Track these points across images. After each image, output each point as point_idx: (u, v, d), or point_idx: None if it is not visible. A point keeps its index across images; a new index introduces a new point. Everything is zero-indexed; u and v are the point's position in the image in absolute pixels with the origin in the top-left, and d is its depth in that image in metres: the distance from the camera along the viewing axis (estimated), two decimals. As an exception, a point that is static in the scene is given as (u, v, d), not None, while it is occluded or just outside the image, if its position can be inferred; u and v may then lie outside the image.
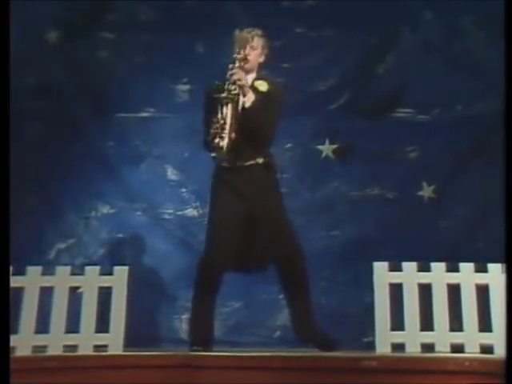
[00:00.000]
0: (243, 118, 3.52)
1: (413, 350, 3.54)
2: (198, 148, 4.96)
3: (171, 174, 5.12)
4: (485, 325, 3.59)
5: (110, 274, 3.73)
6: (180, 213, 5.06)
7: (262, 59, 3.73)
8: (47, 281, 3.71)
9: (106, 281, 3.72)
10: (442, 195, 4.96)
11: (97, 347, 3.59)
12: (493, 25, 4.73)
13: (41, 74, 5.14)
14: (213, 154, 3.51)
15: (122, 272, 3.72)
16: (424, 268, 3.71)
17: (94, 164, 5.02)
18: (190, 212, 5.06)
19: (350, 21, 5.14)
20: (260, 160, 3.61)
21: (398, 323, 3.61)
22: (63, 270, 3.78)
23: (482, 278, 3.66)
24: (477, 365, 2.81)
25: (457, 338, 3.58)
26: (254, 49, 3.66)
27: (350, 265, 4.63)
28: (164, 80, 5.18)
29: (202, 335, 3.46)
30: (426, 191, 4.99)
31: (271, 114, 3.58)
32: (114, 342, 3.57)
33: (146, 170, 5.12)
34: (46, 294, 3.68)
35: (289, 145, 5.02)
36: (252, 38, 3.66)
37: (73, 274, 3.78)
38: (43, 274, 3.74)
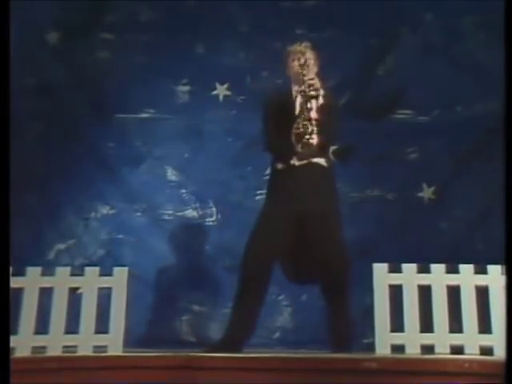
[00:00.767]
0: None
1: (412, 351, 3.53)
2: (199, 149, 5.01)
3: (171, 174, 5.12)
4: (484, 326, 3.59)
5: (110, 274, 3.72)
6: (180, 214, 5.06)
7: (316, 69, 3.80)
8: (47, 281, 3.70)
9: (105, 281, 3.70)
10: (441, 196, 4.97)
11: (96, 348, 3.58)
12: (493, 26, 4.73)
13: (41, 74, 5.14)
14: (301, 150, 3.49)
15: (121, 273, 3.71)
16: (424, 269, 3.71)
17: (94, 165, 5.02)
18: (190, 213, 5.07)
19: (350, 22, 5.15)
20: (322, 161, 3.65)
21: (397, 324, 3.60)
22: (63, 271, 3.77)
23: (481, 280, 3.65)
24: (476, 366, 2.81)
25: (456, 339, 3.57)
26: (309, 59, 3.75)
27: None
28: (164, 81, 5.18)
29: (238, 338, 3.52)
30: (426, 192, 4.99)
31: (334, 117, 3.65)
32: (114, 342, 3.56)
33: (146, 170, 5.12)
34: (46, 294, 3.67)
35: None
36: (305, 52, 3.78)
37: (72, 274, 3.77)
38: (43, 274, 3.72)
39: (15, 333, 3.49)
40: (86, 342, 3.58)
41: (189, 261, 4.96)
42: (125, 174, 5.06)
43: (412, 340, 3.56)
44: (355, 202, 5.01)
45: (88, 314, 3.62)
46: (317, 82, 3.57)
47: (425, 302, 3.63)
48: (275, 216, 3.60)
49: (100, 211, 5.06)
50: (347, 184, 5.03)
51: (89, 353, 3.51)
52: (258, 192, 4.59)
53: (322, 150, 3.67)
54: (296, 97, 3.66)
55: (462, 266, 3.69)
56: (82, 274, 3.77)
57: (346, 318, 3.70)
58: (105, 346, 3.57)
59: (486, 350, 3.52)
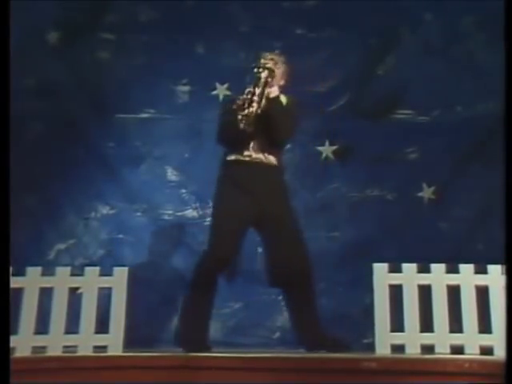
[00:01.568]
0: (266, 108, 3.57)
1: (412, 351, 3.53)
2: (199, 148, 5.01)
3: (171, 174, 5.12)
4: (484, 326, 3.59)
5: (110, 274, 3.73)
6: (180, 214, 5.06)
7: (282, 82, 3.82)
8: (47, 281, 3.71)
9: (105, 281, 3.71)
10: (441, 196, 4.96)
11: (96, 348, 3.58)
12: (493, 26, 4.72)
13: (41, 75, 5.13)
14: (239, 117, 3.52)
15: (121, 273, 3.72)
16: (424, 269, 3.71)
17: (94, 165, 5.02)
18: (190, 213, 5.06)
19: (350, 22, 5.14)
20: (271, 158, 3.66)
21: (397, 324, 3.61)
22: (63, 271, 3.77)
23: (481, 280, 3.66)
24: (476, 366, 2.81)
25: (456, 339, 3.58)
26: (278, 68, 3.73)
27: (350, 266, 4.63)
28: (164, 81, 5.18)
29: (195, 339, 3.48)
30: (426, 192, 4.99)
31: (290, 118, 3.67)
32: (114, 342, 3.57)
33: (146, 170, 5.11)
34: (46, 294, 3.68)
35: (289, 146, 5.00)
36: (277, 61, 3.75)
37: (72, 274, 3.77)
38: (43, 274, 3.73)
39: (15, 333, 3.49)
40: (86, 342, 3.58)
41: (188, 261, 4.95)
42: (125, 173, 5.06)
43: (412, 340, 3.56)
44: (355, 201, 5.02)
45: (88, 314, 3.63)
46: (273, 67, 3.61)
47: (425, 302, 3.63)
48: (232, 216, 3.59)
49: (100, 211, 5.05)
50: (347, 184, 5.04)
51: (89, 353, 3.51)
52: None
53: (272, 148, 3.67)
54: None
55: (461, 266, 3.70)
56: (82, 274, 3.78)
57: (314, 318, 3.67)
58: (105, 346, 3.57)
59: (486, 350, 3.52)
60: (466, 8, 5.09)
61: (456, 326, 3.62)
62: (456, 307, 3.63)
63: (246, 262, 4.14)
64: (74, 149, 5.00)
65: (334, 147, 5.11)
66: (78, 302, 3.67)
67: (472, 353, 3.49)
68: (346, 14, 5.13)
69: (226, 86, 5.12)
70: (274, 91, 3.68)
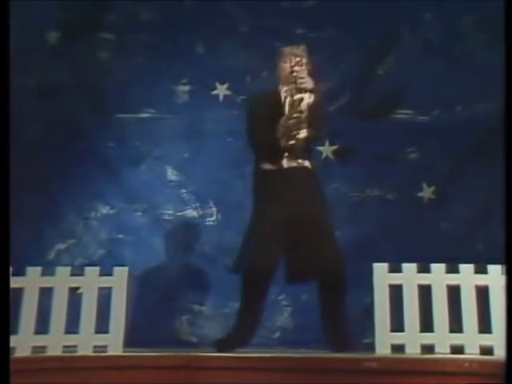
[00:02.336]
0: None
1: (412, 351, 3.53)
2: (199, 148, 5.01)
3: (171, 174, 5.11)
4: (484, 326, 3.59)
5: (110, 274, 3.73)
6: (180, 213, 5.06)
7: (307, 72, 3.76)
8: (47, 281, 3.70)
9: (105, 281, 3.71)
10: (441, 196, 4.97)
11: (96, 348, 3.58)
12: (493, 26, 4.72)
13: (41, 74, 5.13)
14: (291, 142, 3.52)
15: (121, 273, 3.71)
16: (424, 269, 3.71)
17: (94, 164, 5.02)
18: (190, 213, 5.06)
19: (350, 22, 5.14)
20: (306, 163, 3.66)
21: (397, 324, 3.61)
22: (63, 271, 3.77)
23: (481, 280, 3.66)
24: (476, 366, 2.81)
25: (456, 339, 3.58)
26: (302, 60, 3.72)
27: (350, 266, 4.61)
28: (164, 81, 5.18)
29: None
30: (426, 192, 4.99)
31: (322, 117, 3.66)
32: (114, 342, 3.56)
33: (146, 170, 5.11)
34: (46, 294, 3.68)
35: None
36: (302, 56, 3.74)
37: (72, 274, 3.77)
38: (43, 274, 3.72)
39: (15, 333, 3.49)
40: (86, 342, 3.58)
41: (189, 261, 4.96)
42: (125, 173, 5.06)
43: (412, 340, 3.56)
44: (355, 201, 5.02)
45: (88, 314, 3.63)
46: (308, 79, 3.57)
47: (425, 302, 3.63)
48: (270, 219, 3.59)
49: (100, 211, 5.05)
50: (347, 184, 5.04)
51: (89, 353, 3.51)
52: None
53: (308, 151, 3.67)
54: (285, 97, 3.67)
55: (462, 266, 3.70)
56: (82, 274, 3.77)
57: (344, 317, 3.69)
58: (105, 346, 3.57)
59: (486, 350, 3.52)
60: (466, 8, 5.09)
61: (456, 325, 3.62)
62: (456, 307, 3.63)
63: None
64: (74, 149, 5.00)
65: (334, 147, 5.11)
66: (78, 302, 3.67)
67: (472, 353, 3.49)
68: (346, 13, 5.13)
69: (225, 85, 5.12)
70: (308, 82, 3.60)
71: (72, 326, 3.63)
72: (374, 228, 4.87)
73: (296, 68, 3.63)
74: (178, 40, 5.17)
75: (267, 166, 3.69)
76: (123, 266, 3.88)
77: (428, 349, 3.57)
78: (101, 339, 3.60)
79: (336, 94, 5.16)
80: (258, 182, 3.77)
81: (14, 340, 3.29)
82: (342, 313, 3.72)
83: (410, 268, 3.69)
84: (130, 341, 3.65)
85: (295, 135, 3.51)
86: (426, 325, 3.61)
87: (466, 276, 3.67)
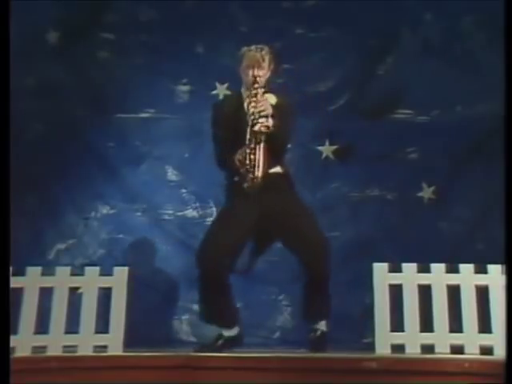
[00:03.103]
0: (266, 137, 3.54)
1: (412, 351, 3.53)
2: (199, 148, 5.00)
3: (171, 174, 5.11)
4: (484, 326, 3.59)
5: (110, 274, 3.73)
6: (180, 213, 5.06)
7: (268, 74, 3.75)
8: (47, 281, 3.71)
9: (105, 281, 3.71)
10: (441, 196, 4.97)
11: (96, 348, 3.58)
12: (493, 26, 4.73)
13: (41, 74, 5.13)
14: (246, 185, 3.51)
15: (121, 272, 3.72)
16: (424, 269, 3.71)
17: (94, 164, 5.02)
18: (190, 213, 5.06)
19: (350, 22, 5.14)
20: (278, 169, 3.65)
21: (397, 324, 3.61)
22: (63, 271, 3.77)
23: (481, 279, 3.66)
24: (476, 366, 2.82)
25: (456, 339, 3.58)
26: (263, 68, 3.68)
27: (350, 266, 4.63)
28: (164, 80, 5.17)
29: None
30: (426, 192, 4.99)
31: (285, 124, 3.61)
32: (114, 342, 3.57)
33: (146, 170, 5.11)
34: (46, 294, 3.68)
35: (289, 146, 5.01)
36: (262, 59, 3.69)
37: (72, 274, 3.77)
38: (43, 274, 3.73)
39: (15, 333, 3.49)
40: (86, 342, 3.58)
41: (189, 261, 4.95)
42: (125, 173, 5.06)
43: (412, 339, 3.56)
44: (355, 201, 5.02)
45: (88, 314, 3.63)
46: (266, 103, 3.54)
47: (425, 302, 3.63)
48: (237, 213, 3.58)
49: (100, 211, 5.05)
50: (347, 184, 5.04)
51: (89, 353, 3.51)
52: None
53: (276, 159, 3.64)
54: (248, 101, 3.62)
55: (461, 266, 3.70)
56: (82, 274, 3.78)
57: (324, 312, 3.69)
58: (105, 346, 3.57)
59: (486, 350, 3.52)
60: (466, 8, 5.09)
61: (456, 325, 3.62)
62: (456, 307, 3.63)
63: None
64: (74, 149, 5.00)
65: (334, 147, 5.11)
66: (78, 301, 3.67)
67: (472, 352, 3.49)
68: (346, 14, 5.13)
69: (225, 85, 5.11)
70: (270, 97, 3.61)
71: (72, 326, 3.64)
72: (374, 228, 4.87)
73: (259, 76, 3.61)
74: (178, 40, 5.17)
75: (237, 178, 3.63)
76: (123, 266, 3.88)
77: (428, 349, 3.57)
78: (101, 339, 3.60)
79: (336, 94, 5.16)
80: (229, 193, 3.74)
81: (14, 340, 3.29)
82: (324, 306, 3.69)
83: (409, 268, 3.70)
84: (130, 341, 3.65)
85: (249, 174, 3.49)
86: (426, 325, 3.61)
87: (466, 276, 3.67)
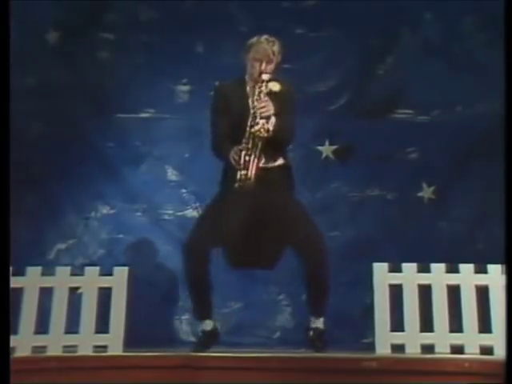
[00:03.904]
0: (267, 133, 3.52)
1: (412, 350, 3.54)
2: (199, 148, 5.00)
3: (171, 174, 5.11)
4: (484, 326, 3.59)
5: (110, 274, 3.73)
6: (180, 213, 5.06)
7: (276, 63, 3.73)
8: (47, 281, 3.71)
9: (105, 281, 3.71)
10: (441, 196, 4.97)
11: (96, 348, 3.58)
12: (493, 26, 4.73)
13: (41, 74, 5.13)
14: (237, 185, 3.48)
15: (121, 272, 3.72)
16: (424, 269, 3.71)
17: (94, 164, 5.01)
18: (190, 213, 5.06)
19: (350, 22, 5.14)
20: (279, 162, 3.64)
21: (397, 324, 3.61)
22: (63, 271, 3.78)
23: (481, 279, 3.66)
24: (477, 366, 2.82)
25: (457, 339, 3.58)
26: (271, 63, 3.67)
27: (350, 266, 4.63)
28: (164, 80, 5.17)
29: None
30: (426, 192, 4.99)
31: (287, 114, 3.60)
32: (114, 342, 3.57)
33: (146, 170, 5.11)
34: (46, 294, 3.68)
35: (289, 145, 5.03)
36: (273, 53, 3.67)
37: (72, 274, 3.78)
38: (43, 274, 3.73)
39: (15, 333, 3.49)
40: (86, 342, 3.58)
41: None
42: (125, 173, 5.06)
43: (412, 339, 3.56)
44: (355, 201, 5.02)
45: (88, 314, 3.63)
46: (269, 104, 3.52)
47: (425, 302, 3.63)
48: (227, 207, 3.55)
49: (100, 211, 5.05)
50: (347, 184, 5.04)
51: (89, 353, 3.51)
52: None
53: (277, 152, 3.63)
54: (251, 90, 3.63)
55: (461, 266, 3.70)
56: (82, 274, 3.78)
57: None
58: (105, 346, 3.57)
59: (486, 350, 3.52)
60: (466, 8, 5.09)
61: (456, 325, 3.62)
62: (456, 307, 3.63)
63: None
64: (74, 149, 5.00)
65: (334, 147, 5.11)
66: (78, 301, 3.67)
67: (472, 352, 3.49)
68: (345, 14, 5.13)
69: (225, 85, 5.11)
70: (274, 85, 3.58)
71: (72, 326, 3.64)
72: (374, 228, 4.87)
73: (265, 72, 3.60)
74: (178, 40, 5.17)
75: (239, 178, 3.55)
76: (123, 266, 3.88)
77: (428, 349, 3.57)
78: (101, 339, 3.60)
79: (336, 94, 5.16)
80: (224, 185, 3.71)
81: (14, 340, 3.29)
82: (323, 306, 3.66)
83: (409, 268, 3.70)
84: (130, 341, 3.65)
85: (243, 172, 3.47)
86: (426, 324, 3.61)
87: (466, 276, 3.67)
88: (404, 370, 2.86)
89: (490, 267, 3.67)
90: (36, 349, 3.56)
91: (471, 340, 3.55)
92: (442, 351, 3.53)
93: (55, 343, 3.57)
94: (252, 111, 3.53)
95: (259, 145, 3.49)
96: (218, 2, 5.21)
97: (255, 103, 3.54)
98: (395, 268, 3.70)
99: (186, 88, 5.22)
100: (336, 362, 3.00)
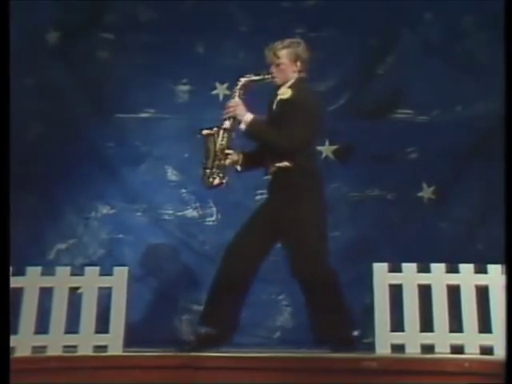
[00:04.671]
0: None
1: (413, 350, 3.53)
2: (198, 148, 5.00)
3: (171, 174, 5.12)
4: (484, 326, 3.59)
5: (110, 274, 3.73)
6: (180, 213, 5.06)
7: (295, 68, 3.75)
8: (47, 281, 3.70)
9: (105, 281, 3.71)
10: (441, 196, 4.97)
11: (96, 348, 3.58)
12: (493, 25, 4.74)
13: (41, 74, 5.14)
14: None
15: (121, 272, 3.71)
16: (424, 269, 3.71)
17: (94, 164, 5.02)
18: (190, 213, 5.06)
19: (350, 21, 5.15)
20: (282, 164, 3.66)
21: (397, 324, 3.61)
22: (63, 271, 3.77)
23: (481, 279, 3.66)
24: (476, 366, 2.82)
25: (457, 339, 3.57)
26: (280, 64, 3.71)
27: (350, 266, 4.62)
28: (164, 80, 5.18)
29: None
30: (426, 192, 4.99)
31: (296, 122, 3.60)
32: (114, 342, 3.56)
33: (146, 170, 5.11)
34: (46, 294, 3.68)
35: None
36: (277, 56, 3.72)
37: (72, 274, 3.77)
38: (43, 274, 3.72)
39: (15, 333, 3.48)
40: (86, 342, 3.58)
41: (189, 261, 4.96)
42: (125, 173, 5.06)
43: (412, 339, 3.56)
44: (355, 201, 5.02)
45: (88, 314, 3.62)
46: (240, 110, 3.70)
47: (425, 302, 3.63)
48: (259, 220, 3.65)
49: (100, 211, 5.06)
50: (347, 184, 5.04)
51: (89, 353, 3.51)
52: (258, 192, 4.58)
53: (279, 156, 3.67)
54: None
55: (461, 266, 3.70)
56: (82, 274, 3.77)
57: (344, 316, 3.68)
58: (105, 346, 3.57)
59: (486, 350, 3.52)
60: (466, 8, 5.10)
61: (456, 325, 3.62)
62: (456, 307, 3.63)
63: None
64: (74, 149, 5.00)
65: (334, 147, 5.11)
66: (78, 301, 3.67)
67: (472, 352, 3.49)
68: (345, 14, 5.13)
69: (225, 85, 5.11)
70: (284, 93, 3.65)
71: (72, 326, 3.63)
72: (374, 228, 4.87)
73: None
74: (178, 40, 5.17)
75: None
76: (123, 265, 3.88)
77: (428, 349, 3.56)
78: (101, 339, 3.60)
79: (336, 94, 5.16)
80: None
81: (13, 340, 3.29)
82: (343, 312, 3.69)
83: (409, 268, 3.69)
84: (130, 341, 3.64)
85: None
86: (426, 324, 3.61)
87: (466, 276, 3.66)
88: (404, 370, 2.86)
89: (490, 267, 3.66)
90: (36, 349, 3.55)
91: (471, 340, 3.55)
92: (442, 351, 3.52)
93: (55, 343, 3.57)
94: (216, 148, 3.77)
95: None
96: (217, 2, 5.22)
97: (219, 139, 3.79)
98: (395, 268, 3.70)
99: (185, 88, 5.23)
100: (336, 361, 3.00)
